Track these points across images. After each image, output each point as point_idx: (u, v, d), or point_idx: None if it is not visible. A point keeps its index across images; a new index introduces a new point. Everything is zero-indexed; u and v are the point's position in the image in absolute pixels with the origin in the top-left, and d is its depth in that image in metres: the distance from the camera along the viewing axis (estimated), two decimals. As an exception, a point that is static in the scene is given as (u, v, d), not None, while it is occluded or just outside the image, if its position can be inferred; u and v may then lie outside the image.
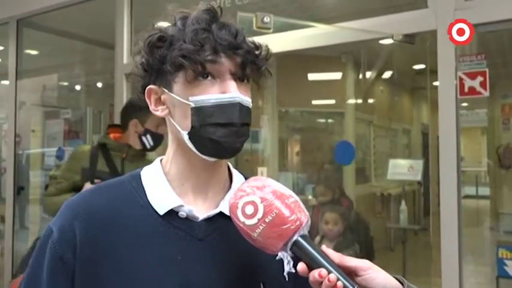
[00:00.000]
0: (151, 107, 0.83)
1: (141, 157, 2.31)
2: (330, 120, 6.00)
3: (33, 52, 4.62)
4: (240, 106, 0.76)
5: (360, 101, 5.70)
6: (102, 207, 0.80)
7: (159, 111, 0.82)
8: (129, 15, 3.27)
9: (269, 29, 2.16)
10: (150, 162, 0.90)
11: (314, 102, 5.40)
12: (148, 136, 2.26)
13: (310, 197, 5.17)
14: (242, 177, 0.89)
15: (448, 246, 2.13)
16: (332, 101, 5.54)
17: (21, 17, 3.85)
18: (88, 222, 0.78)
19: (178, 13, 0.80)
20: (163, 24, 0.82)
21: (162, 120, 0.86)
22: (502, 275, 2.34)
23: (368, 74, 5.77)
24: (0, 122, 4.50)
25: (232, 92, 0.76)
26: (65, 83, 4.95)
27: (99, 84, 5.10)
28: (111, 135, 2.31)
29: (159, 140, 2.29)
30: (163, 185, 0.82)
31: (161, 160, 0.87)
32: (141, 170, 0.87)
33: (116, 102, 3.23)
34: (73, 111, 4.26)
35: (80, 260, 0.76)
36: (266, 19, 2.14)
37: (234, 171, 0.89)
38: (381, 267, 0.73)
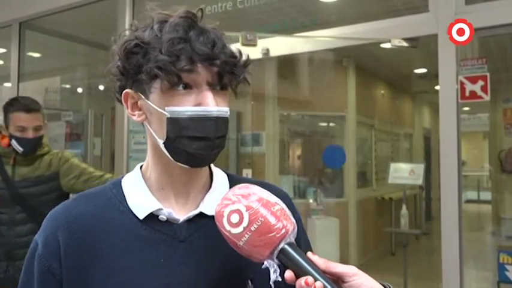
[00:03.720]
0: (128, 111, 0.83)
1: (36, 159, 2.22)
2: (331, 124, 6.01)
3: (36, 54, 4.64)
4: (216, 120, 0.76)
5: (361, 104, 5.71)
6: (83, 216, 0.81)
7: (135, 116, 0.82)
8: (131, 17, 3.28)
9: (254, 45, 2.48)
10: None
11: (315, 105, 5.40)
12: (13, 141, 2.18)
13: (311, 201, 5.18)
14: (224, 175, 0.90)
15: (449, 251, 2.12)
16: (333, 105, 5.54)
17: (23, 19, 3.87)
18: (70, 231, 0.80)
19: (157, 14, 0.79)
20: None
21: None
22: (503, 279, 2.33)
23: (369, 78, 5.77)
24: (3, 124, 4.50)
25: (209, 105, 0.75)
26: (67, 86, 4.96)
27: (101, 87, 5.11)
28: (2, 141, 2.24)
29: (27, 144, 2.17)
30: (142, 190, 0.83)
31: (141, 166, 0.88)
32: (122, 177, 0.88)
33: (117, 106, 3.24)
34: (74, 114, 4.27)
35: (67, 269, 0.78)
36: (249, 36, 2.49)
37: (215, 170, 0.89)
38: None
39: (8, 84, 4.03)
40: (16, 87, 3.90)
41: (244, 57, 0.80)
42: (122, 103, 0.84)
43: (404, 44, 2.35)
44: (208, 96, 0.76)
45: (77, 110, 4.51)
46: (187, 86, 0.76)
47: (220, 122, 0.77)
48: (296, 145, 5.72)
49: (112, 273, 0.77)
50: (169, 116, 0.75)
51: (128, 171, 3.40)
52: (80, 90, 5.07)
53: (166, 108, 0.76)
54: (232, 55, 0.78)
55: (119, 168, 3.20)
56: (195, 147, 0.76)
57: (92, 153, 4.26)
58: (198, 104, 0.76)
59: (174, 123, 0.75)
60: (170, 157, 0.79)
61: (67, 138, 4.14)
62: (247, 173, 3.70)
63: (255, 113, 4.32)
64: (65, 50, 4.71)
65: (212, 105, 0.76)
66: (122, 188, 0.85)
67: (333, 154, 5.16)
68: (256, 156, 4.51)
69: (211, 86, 0.77)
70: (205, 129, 0.76)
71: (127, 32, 0.82)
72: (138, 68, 0.76)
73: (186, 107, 0.75)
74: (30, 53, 4.33)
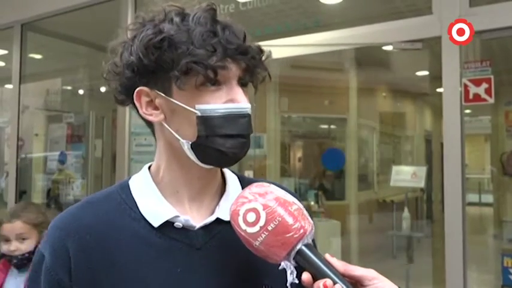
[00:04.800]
0: (142, 111, 0.77)
1: None
2: (332, 126, 6.00)
3: (37, 56, 4.63)
4: (249, 116, 0.74)
5: (362, 107, 5.70)
6: (94, 224, 0.76)
7: (152, 116, 0.76)
8: (133, 19, 3.28)
9: None
10: None
11: (316, 107, 5.40)
12: None
13: (312, 203, 5.16)
14: (234, 177, 0.86)
15: (453, 254, 2.11)
16: (335, 107, 5.54)
17: (25, 21, 3.86)
18: (81, 241, 0.74)
19: (170, 7, 0.75)
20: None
21: None
22: (507, 283, 2.32)
23: (371, 80, 5.76)
24: (4, 126, 4.50)
25: (242, 102, 0.73)
26: (68, 87, 4.95)
27: (103, 89, 5.10)
28: None
29: None
30: (154, 195, 0.78)
31: (149, 167, 0.83)
32: (129, 179, 0.82)
33: (118, 108, 3.23)
34: (76, 116, 4.26)
35: (77, 282, 0.73)
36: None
37: (228, 173, 0.86)
38: (383, 274, 0.72)
39: (9, 86, 4.02)
40: (17, 89, 3.89)
41: (267, 53, 0.77)
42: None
43: (407, 46, 2.34)
44: (240, 93, 0.73)
45: (78, 111, 4.50)
46: (216, 83, 0.72)
47: (250, 119, 0.75)
48: (297, 147, 5.72)
49: (127, 285, 0.73)
50: (199, 114, 0.71)
51: (129, 173, 3.40)
52: (81, 92, 5.06)
53: (196, 106, 0.72)
54: (259, 50, 0.76)
55: (120, 170, 3.19)
56: (228, 146, 0.72)
57: (93, 155, 4.25)
58: (230, 101, 0.73)
59: (205, 121, 0.72)
60: (196, 159, 0.74)
61: (68, 140, 4.13)
62: (248, 174, 3.69)
63: (256, 115, 4.30)
64: (66, 51, 4.71)
65: (244, 101, 0.73)
66: (131, 192, 0.79)
67: (332, 157, 5.17)
68: (258, 158, 4.49)
69: (239, 82, 0.75)
70: (239, 127, 0.73)
71: (130, 26, 0.78)
72: (164, 64, 0.71)
73: (217, 104, 0.72)
74: (32, 55, 4.32)
